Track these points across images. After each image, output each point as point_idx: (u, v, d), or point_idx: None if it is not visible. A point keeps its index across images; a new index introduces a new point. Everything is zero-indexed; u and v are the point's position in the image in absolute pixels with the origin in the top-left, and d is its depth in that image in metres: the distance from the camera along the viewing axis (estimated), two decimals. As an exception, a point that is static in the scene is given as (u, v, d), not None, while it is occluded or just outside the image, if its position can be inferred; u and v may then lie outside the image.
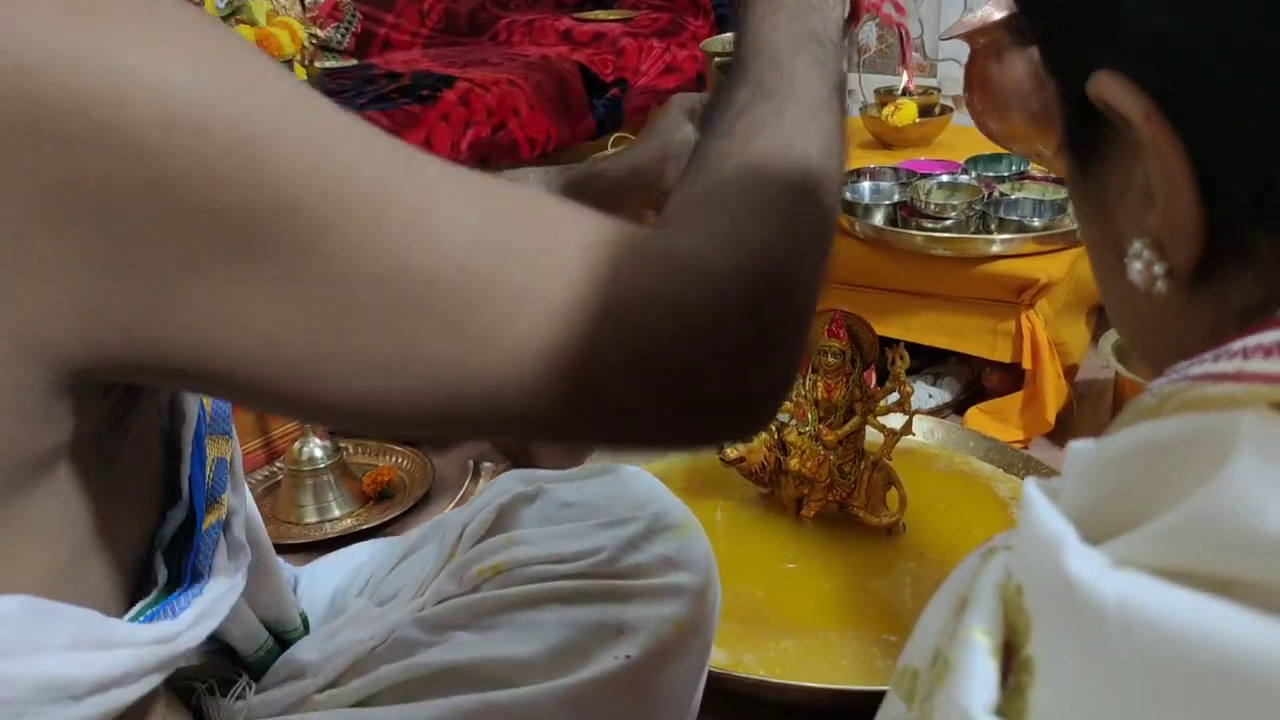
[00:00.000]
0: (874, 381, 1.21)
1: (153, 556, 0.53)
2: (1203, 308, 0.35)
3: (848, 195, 1.64)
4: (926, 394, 1.62)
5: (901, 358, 1.17)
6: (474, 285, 0.43)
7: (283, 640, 0.71)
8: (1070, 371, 1.58)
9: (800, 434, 1.20)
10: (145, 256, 0.38)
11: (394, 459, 1.51)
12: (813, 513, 1.22)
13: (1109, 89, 0.33)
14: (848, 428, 1.19)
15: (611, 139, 1.88)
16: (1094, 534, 0.29)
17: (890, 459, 1.19)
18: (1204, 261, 0.34)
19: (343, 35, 1.87)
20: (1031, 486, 0.31)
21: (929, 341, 1.58)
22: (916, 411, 1.18)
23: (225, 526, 0.57)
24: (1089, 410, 1.60)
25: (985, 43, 0.75)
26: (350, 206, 0.40)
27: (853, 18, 0.68)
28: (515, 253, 0.44)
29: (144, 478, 0.52)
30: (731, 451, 1.22)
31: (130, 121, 0.37)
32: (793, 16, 0.61)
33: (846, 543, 1.21)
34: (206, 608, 0.53)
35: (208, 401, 0.59)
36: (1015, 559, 0.31)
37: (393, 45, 2.00)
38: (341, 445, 1.45)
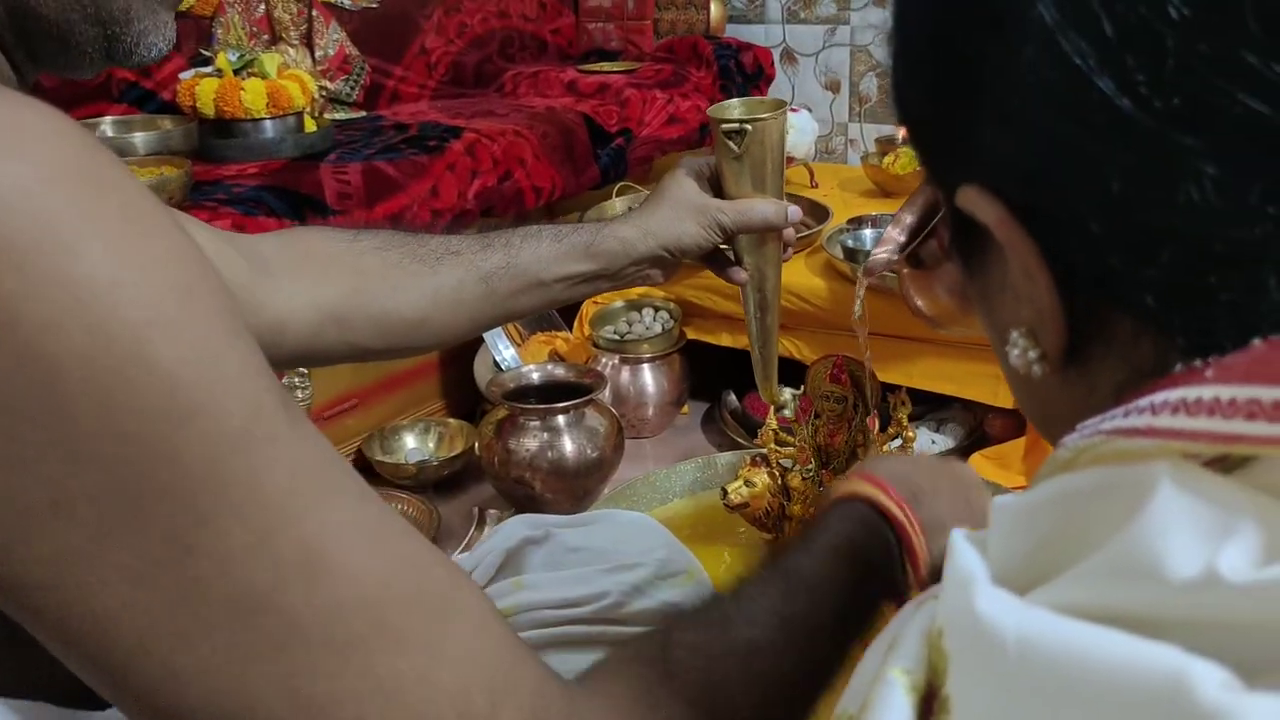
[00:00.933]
0: (877, 427, 1.22)
1: None
2: (1078, 386, 0.38)
3: (849, 243, 1.66)
4: (930, 440, 1.63)
5: (904, 403, 1.18)
6: (331, 653, 0.39)
7: None
8: (1072, 417, 1.59)
9: (804, 479, 1.21)
10: (23, 486, 0.35)
11: (400, 506, 1.51)
12: (817, 558, 1.23)
13: (971, 200, 0.37)
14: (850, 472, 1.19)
15: (616, 188, 1.91)
16: (1023, 582, 0.31)
17: (894, 504, 1.20)
18: (1072, 346, 0.37)
19: (351, 87, 1.90)
20: (957, 534, 0.33)
21: (931, 387, 1.59)
22: (920, 457, 1.18)
23: None
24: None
25: (906, 271, 0.77)
26: (245, 514, 0.37)
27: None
28: (393, 638, 0.40)
29: None
30: (735, 497, 1.22)
31: (57, 354, 0.35)
32: (854, 587, 0.58)
33: (851, 588, 1.21)
34: None
35: None
36: (939, 603, 0.33)
37: (401, 97, 2.04)
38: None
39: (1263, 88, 0.29)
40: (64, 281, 0.34)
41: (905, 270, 0.65)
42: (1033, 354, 0.39)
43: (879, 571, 0.60)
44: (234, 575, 0.37)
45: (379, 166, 1.55)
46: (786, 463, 1.23)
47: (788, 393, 1.19)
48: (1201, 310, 0.32)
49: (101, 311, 0.35)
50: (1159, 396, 0.30)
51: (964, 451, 1.61)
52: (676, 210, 0.87)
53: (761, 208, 0.81)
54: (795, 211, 0.85)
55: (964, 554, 0.32)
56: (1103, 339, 0.36)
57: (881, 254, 0.81)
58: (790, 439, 1.24)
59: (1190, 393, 0.29)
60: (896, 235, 0.86)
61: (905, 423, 1.18)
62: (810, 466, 1.21)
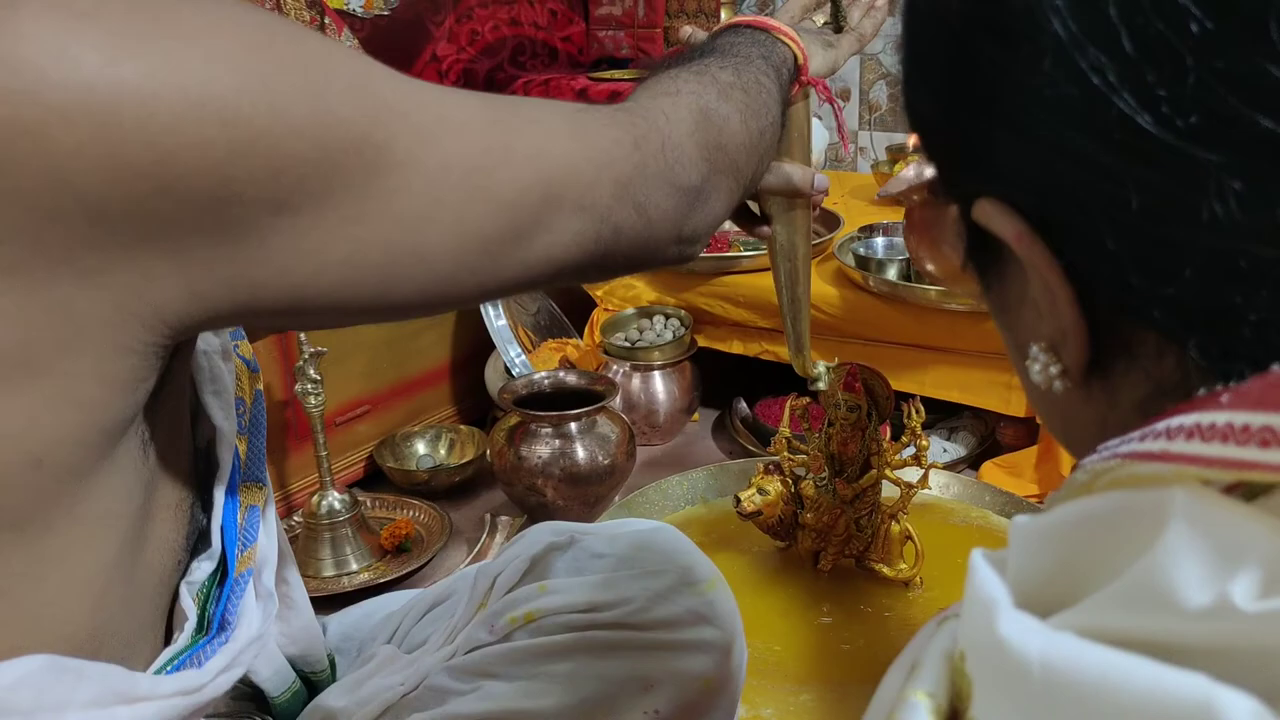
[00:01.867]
0: (889, 436, 1.22)
1: (181, 605, 0.53)
2: (1100, 401, 0.38)
3: (860, 251, 1.66)
4: (941, 448, 1.63)
5: (917, 411, 1.18)
6: (496, 161, 0.50)
7: (310, 683, 0.72)
8: (1084, 426, 1.59)
9: (817, 488, 1.21)
10: (246, 215, 0.41)
11: (411, 512, 1.52)
12: (830, 566, 1.23)
13: (988, 214, 0.36)
14: (864, 481, 1.19)
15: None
16: (1044, 604, 0.31)
17: (906, 513, 1.20)
18: (1094, 361, 0.37)
19: (363, 94, 1.91)
20: (977, 555, 0.33)
21: (943, 396, 1.59)
22: (932, 465, 1.19)
23: (255, 575, 0.58)
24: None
25: (918, 198, 0.79)
26: (394, 126, 0.45)
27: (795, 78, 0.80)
28: (518, 129, 0.52)
29: (176, 517, 0.52)
30: (749, 505, 1.22)
31: (218, 96, 0.40)
32: (742, 44, 0.75)
33: (864, 596, 1.21)
34: (233, 657, 0.53)
35: (242, 448, 0.60)
36: (961, 625, 0.33)
37: (412, 104, 2.04)
38: (360, 499, 1.46)
39: (1276, 106, 0.29)
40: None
41: (917, 211, 0.66)
42: (1054, 369, 0.38)
43: (775, 57, 0.76)
44: (419, 164, 0.46)
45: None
46: (799, 470, 1.23)
47: (822, 365, 1.19)
48: (1225, 329, 0.32)
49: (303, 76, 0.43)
50: (1175, 421, 0.30)
51: (976, 460, 1.61)
52: (806, 152, 0.91)
53: (789, 169, 0.83)
54: (823, 180, 0.86)
55: (984, 576, 0.32)
56: (1126, 355, 0.36)
57: (910, 172, 0.85)
58: (803, 447, 1.24)
59: (1206, 418, 0.29)
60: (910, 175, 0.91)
61: (918, 431, 1.18)
62: (823, 475, 1.21)
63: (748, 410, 1.76)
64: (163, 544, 0.51)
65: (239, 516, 0.57)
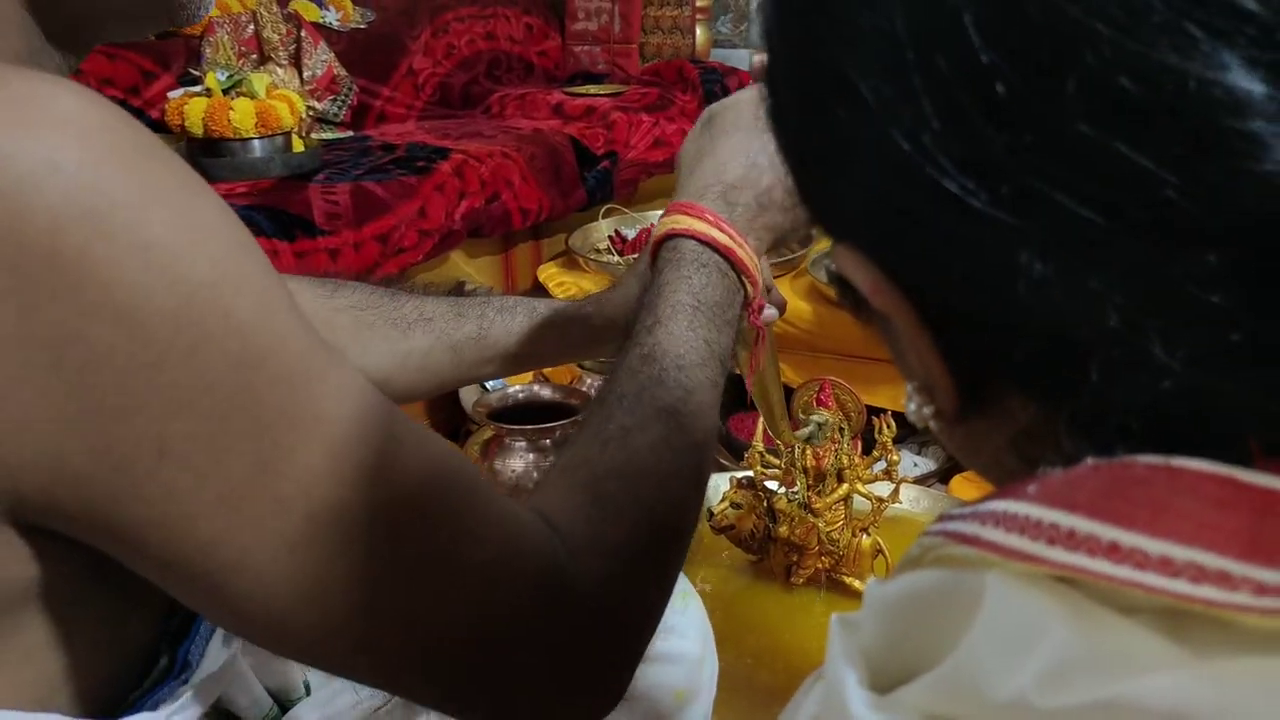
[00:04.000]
0: (860, 450, 1.23)
1: (155, 647, 0.52)
2: (979, 439, 0.37)
3: (833, 266, 1.67)
4: (912, 462, 1.65)
5: (889, 426, 1.19)
6: (408, 539, 0.45)
7: (285, 706, 0.72)
8: (1053, 440, 1.61)
9: (790, 501, 1.22)
10: (131, 436, 0.39)
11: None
12: (803, 580, 1.24)
13: (843, 262, 0.35)
14: (836, 495, 1.20)
15: (602, 210, 1.92)
16: (890, 675, 0.31)
17: (878, 526, 1.21)
18: (964, 405, 0.36)
19: (339, 108, 1.91)
20: (834, 621, 0.33)
21: (914, 410, 1.61)
22: (903, 480, 1.20)
23: None
24: (1072, 479, 1.62)
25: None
26: (316, 439, 0.42)
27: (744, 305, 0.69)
28: (455, 512, 0.47)
29: (154, 611, 0.52)
30: (722, 519, 1.23)
31: (149, 313, 0.38)
32: (711, 324, 0.63)
33: (836, 609, 1.21)
34: (189, 696, 0.52)
35: None
36: (823, 694, 0.33)
37: (388, 117, 2.05)
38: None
39: (1082, 179, 0.28)
40: (145, 245, 0.38)
41: None
42: (927, 410, 0.38)
43: (727, 304, 0.65)
44: (314, 493, 0.42)
45: (367, 187, 1.56)
46: (772, 485, 1.24)
47: (814, 422, 1.19)
48: (1066, 398, 0.31)
49: (181, 270, 0.38)
50: (989, 505, 0.30)
51: (945, 474, 1.63)
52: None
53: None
54: (772, 314, 0.77)
55: (835, 647, 0.32)
56: (993, 401, 0.35)
57: None
58: (776, 461, 1.25)
59: (1012, 507, 0.29)
60: None
61: (889, 445, 1.19)
62: (796, 489, 1.22)
63: (720, 424, 1.77)
64: (146, 620, 0.51)
65: None
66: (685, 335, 0.61)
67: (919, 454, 1.66)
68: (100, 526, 0.41)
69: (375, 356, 0.81)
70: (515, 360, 0.84)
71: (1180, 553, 0.26)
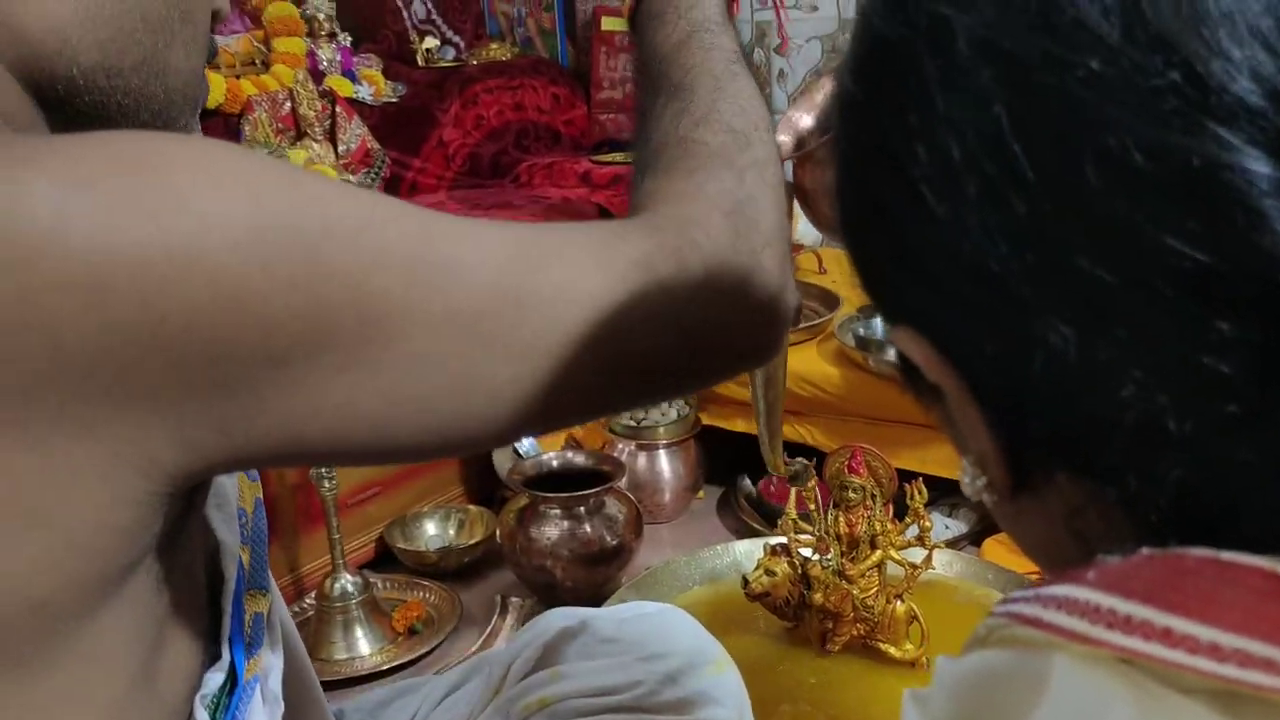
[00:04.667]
0: (892, 514, 1.24)
1: (194, 716, 0.53)
2: (1033, 515, 0.38)
3: (860, 331, 1.70)
4: (943, 525, 1.65)
5: (920, 492, 1.21)
6: (505, 306, 0.48)
7: None
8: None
9: (824, 568, 1.23)
10: (239, 370, 0.42)
11: (422, 593, 1.53)
12: (838, 646, 1.24)
13: (901, 339, 0.37)
14: (870, 562, 1.21)
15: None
16: None
17: (912, 592, 1.22)
18: (1017, 481, 0.37)
19: (372, 180, 1.96)
20: (907, 696, 0.35)
21: (945, 474, 1.62)
22: (936, 545, 1.21)
23: (262, 680, 0.58)
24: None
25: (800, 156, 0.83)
26: (394, 274, 0.45)
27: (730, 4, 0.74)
28: (538, 268, 0.50)
29: (192, 645, 0.53)
30: (757, 586, 1.24)
31: (208, 256, 0.41)
32: (675, 21, 0.68)
33: (871, 677, 1.22)
34: None
35: (246, 558, 0.62)
36: None
37: (419, 188, 2.09)
38: (371, 580, 1.47)
39: (1100, 250, 0.30)
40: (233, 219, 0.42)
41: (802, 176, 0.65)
42: (979, 483, 0.39)
43: (711, 13, 0.68)
44: (416, 313, 0.45)
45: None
46: (806, 551, 1.25)
47: (800, 461, 1.23)
48: (1101, 474, 0.33)
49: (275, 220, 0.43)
50: (1052, 590, 0.31)
51: (977, 536, 1.63)
52: None
53: None
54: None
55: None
56: (1043, 478, 0.36)
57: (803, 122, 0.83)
58: (809, 528, 1.26)
59: (1073, 592, 0.30)
60: (787, 141, 0.87)
61: (922, 511, 1.20)
62: (830, 556, 1.23)
63: (752, 488, 1.79)
64: (178, 671, 0.52)
65: (245, 625, 0.58)
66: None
67: (949, 516, 1.67)
68: (247, 451, 0.45)
69: None
70: None
71: (1228, 640, 0.28)
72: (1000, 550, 1.57)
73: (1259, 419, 0.30)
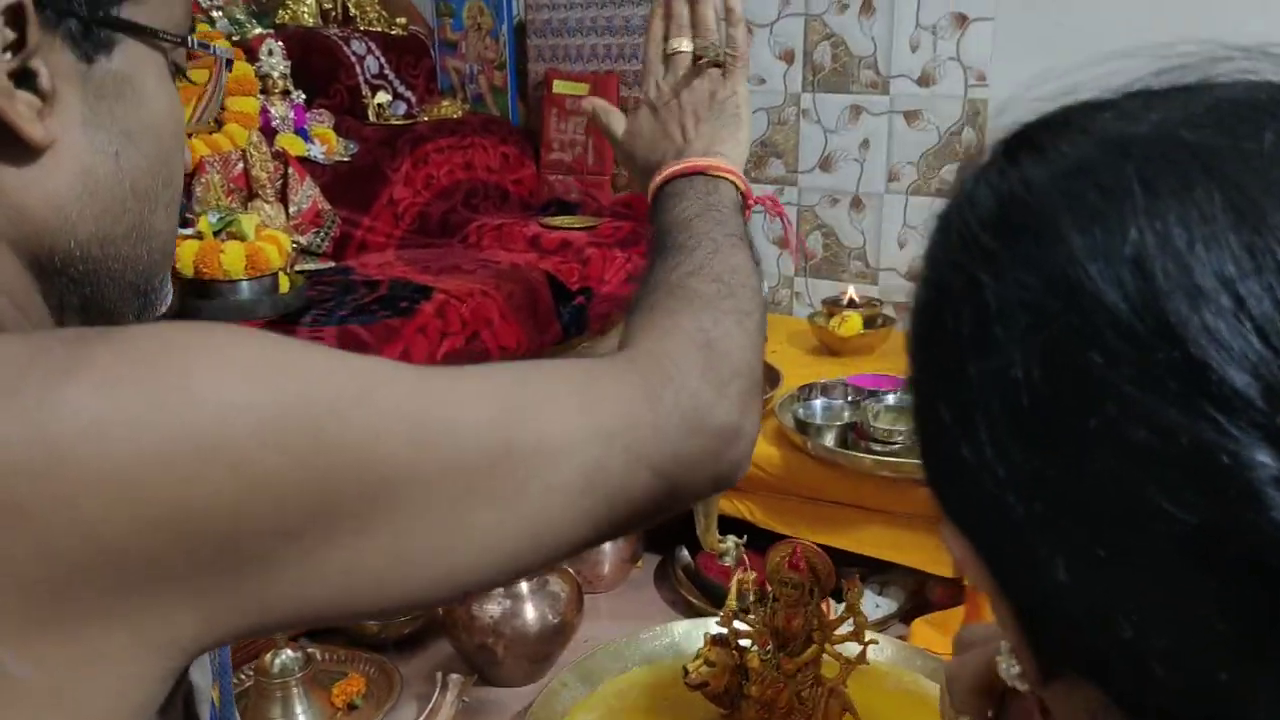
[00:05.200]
0: (830, 611, 1.28)
1: None
2: (1061, 706, 0.41)
3: (800, 413, 1.74)
4: (874, 603, 1.70)
5: (857, 588, 1.25)
6: (495, 459, 0.52)
7: None
8: (1008, 583, 1.67)
9: (762, 660, 1.27)
10: (256, 547, 0.45)
11: (362, 666, 1.54)
12: (773, 737, 1.28)
13: (946, 534, 0.41)
14: (806, 656, 1.25)
15: (579, 346, 1.98)
16: None
17: (846, 685, 1.26)
18: (1048, 672, 0.40)
19: (321, 239, 1.96)
20: None
21: (876, 554, 1.67)
22: (871, 641, 1.25)
23: None
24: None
25: None
26: (396, 439, 0.49)
27: (744, 208, 0.86)
28: (525, 420, 0.54)
29: None
30: (696, 676, 1.27)
31: (229, 445, 0.44)
32: (698, 200, 0.80)
33: (805, 767, 1.26)
34: None
35: (216, 697, 0.64)
36: None
37: (368, 246, 2.10)
38: (310, 651, 1.48)
39: (1099, 502, 0.34)
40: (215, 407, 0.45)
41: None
42: (1014, 670, 0.43)
43: (731, 207, 0.82)
44: (416, 474, 0.50)
45: (353, 330, 1.61)
46: (745, 643, 1.29)
47: (731, 540, 1.28)
48: (1121, 697, 0.36)
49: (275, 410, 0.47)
50: None
51: (906, 615, 1.69)
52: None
53: None
54: None
55: None
56: (1070, 673, 0.39)
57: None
58: (749, 619, 1.30)
59: None
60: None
61: (857, 608, 1.25)
62: (768, 649, 1.27)
63: (690, 560, 1.82)
64: None
65: None
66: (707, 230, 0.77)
67: (880, 594, 1.72)
68: (260, 624, 0.48)
69: None
70: None
71: None
72: (928, 631, 1.63)
73: (1254, 664, 0.33)
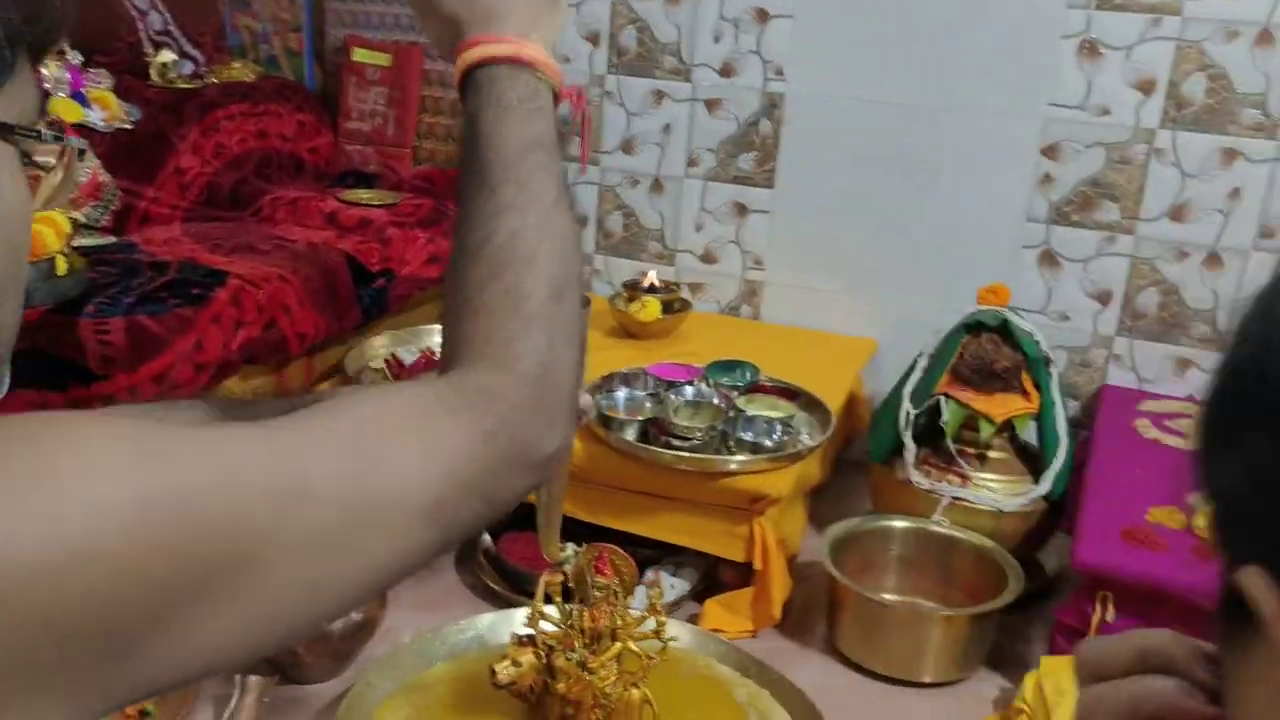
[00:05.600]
0: (631, 608, 1.35)
1: None
2: None
3: (603, 405, 1.79)
4: (669, 584, 1.78)
5: (656, 586, 1.32)
6: (347, 513, 0.55)
7: None
8: (792, 562, 1.79)
9: (567, 659, 1.31)
10: (126, 636, 0.46)
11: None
12: (577, 732, 1.34)
13: (1250, 581, 0.36)
14: (609, 654, 1.31)
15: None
16: None
17: (646, 680, 1.33)
18: None
19: (101, 213, 1.85)
20: None
21: (672, 540, 1.75)
22: (670, 640, 1.32)
23: None
24: (809, 598, 1.80)
25: None
26: (258, 513, 0.51)
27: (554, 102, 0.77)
28: (371, 472, 0.57)
29: None
30: (503, 676, 1.31)
31: (100, 544, 0.45)
32: (520, 122, 0.71)
33: (607, 758, 1.32)
34: None
35: None
36: None
37: (152, 219, 2.00)
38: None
39: None
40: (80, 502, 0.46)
41: None
42: None
43: (531, 101, 0.73)
44: (277, 541, 0.52)
45: (142, 322, 1.54)
46: (552, 643, 1.33)
47: (570, 548, 1.31)
48: None
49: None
50: None
51: (699, 595, 1.78)
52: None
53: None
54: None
55: None
56: None
57: None
58: (554, 620, 1.34)
59: None
60: None
61: (658, 608, 1.31)
62: (574, 650, 1.31)
63: (491, 544, 1.85)
64: None
65: None
66: (501, 138, 0.71)
67: (674, 576, 1.80)
68: (132, 695, 0.49)
69: None
70: None
71: None
72: (719, 611, 1.72)
73: None
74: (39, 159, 0.59)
